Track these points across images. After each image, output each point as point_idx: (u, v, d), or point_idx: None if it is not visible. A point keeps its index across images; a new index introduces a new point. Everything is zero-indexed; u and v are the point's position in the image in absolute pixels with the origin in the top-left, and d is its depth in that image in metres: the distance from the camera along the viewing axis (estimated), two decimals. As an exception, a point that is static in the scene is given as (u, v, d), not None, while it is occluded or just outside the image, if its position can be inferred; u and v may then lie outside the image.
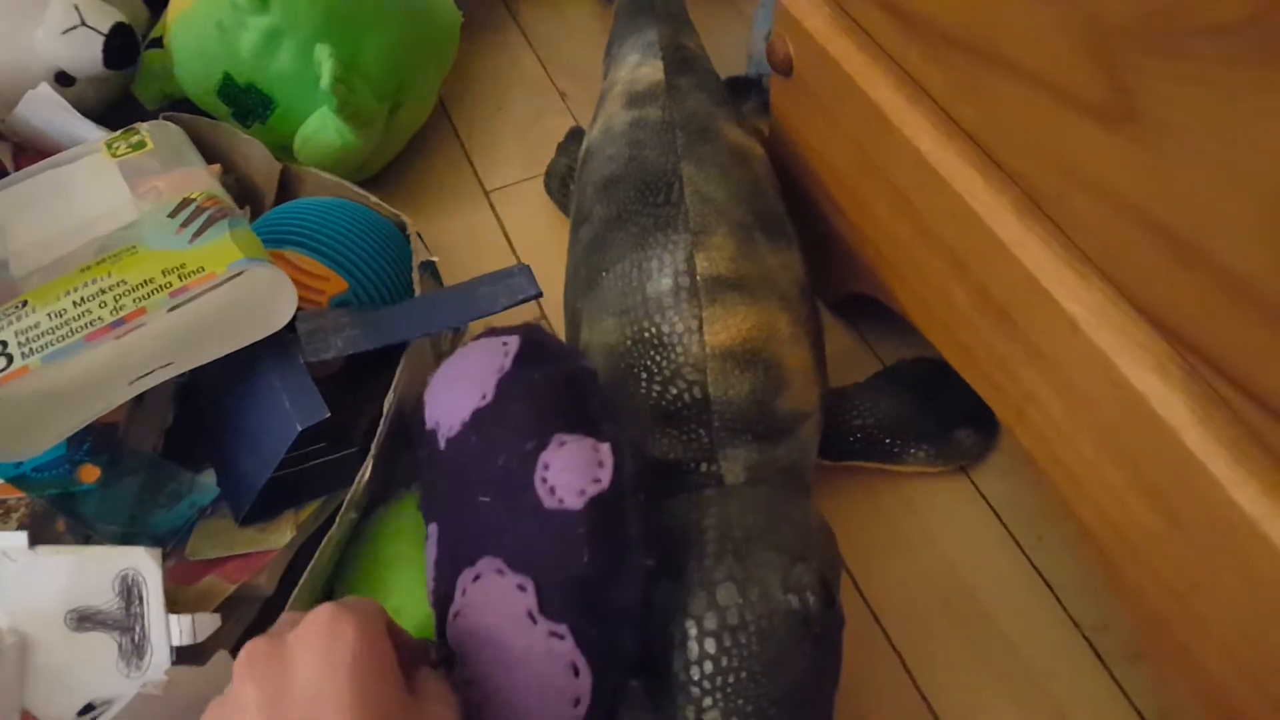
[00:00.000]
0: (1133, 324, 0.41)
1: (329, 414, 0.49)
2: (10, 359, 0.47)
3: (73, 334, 0.47)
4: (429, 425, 0.46)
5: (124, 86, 0.73)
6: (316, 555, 0.48)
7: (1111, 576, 0.47)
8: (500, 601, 0.39)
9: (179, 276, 0.49)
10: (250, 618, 0.51)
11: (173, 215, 0.52)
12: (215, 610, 0.48)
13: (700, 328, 0.48)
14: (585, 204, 0.57)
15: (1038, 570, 0.56)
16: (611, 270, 0.52)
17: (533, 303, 0.67)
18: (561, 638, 0.38)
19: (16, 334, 0.48)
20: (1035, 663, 0.53)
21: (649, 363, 0.48)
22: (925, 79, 0.49)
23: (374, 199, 0.63)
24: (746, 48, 0.77)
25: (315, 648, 0.34)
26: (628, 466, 0.40)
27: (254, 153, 0.66)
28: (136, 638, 0.45)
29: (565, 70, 0.85)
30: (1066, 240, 0.44)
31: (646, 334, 0.49)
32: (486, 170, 0.78)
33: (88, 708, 0.45)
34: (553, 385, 0.43)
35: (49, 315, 0.48)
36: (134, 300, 0.48)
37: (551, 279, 0.58)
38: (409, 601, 0.48)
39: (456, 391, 0.45)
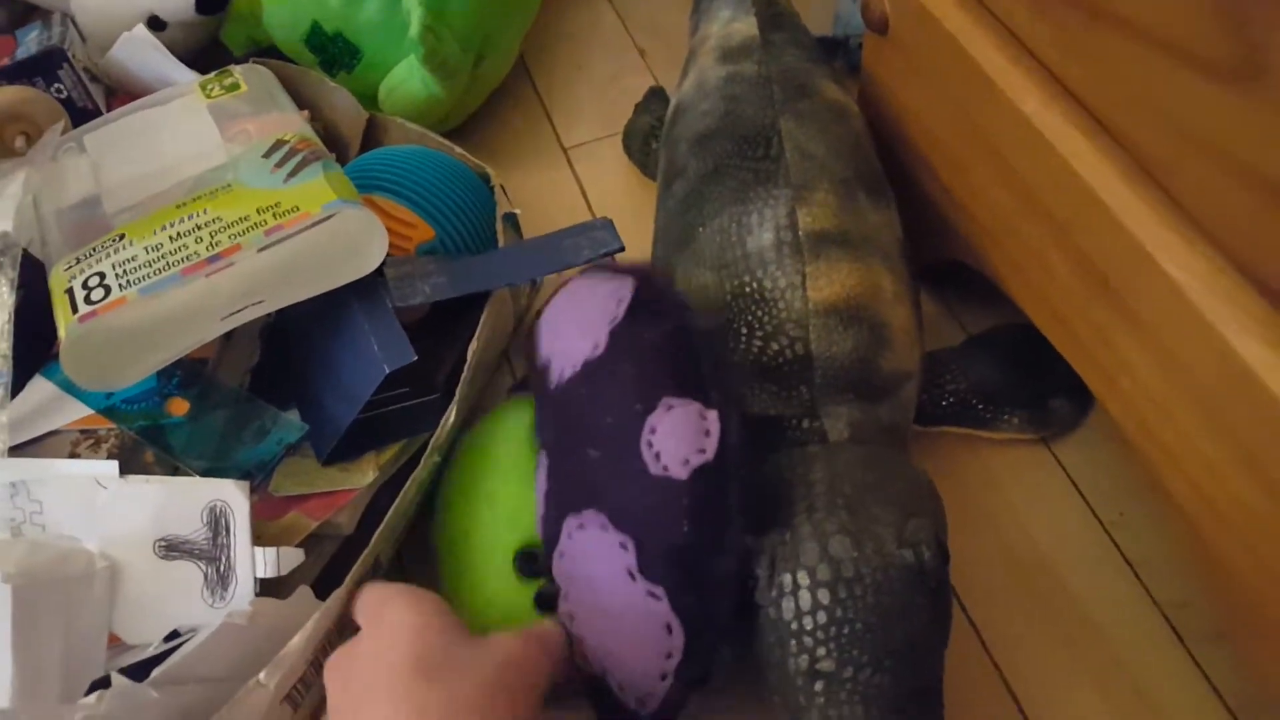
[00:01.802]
0: (1242, 291, 0.40)
1: (416, 358, 0.50)
2: (108, 290, 0.48)
3: (169, 267, 0.48)
4: (541, 359, 0.47)
5: (213, 32, 0.74)
6: (400, 495, 0.49)
7: (1199, 553, 0.46)
8: (601, 555, 0.41)
9: (274, 215, 0.49)
10: (329, 555, 0.52)
11: (267, 155, 0.53)
12: (297, 546, 0.48)
13: (803, 283, 0.47)
14: (678, 159, 0.56)
15: (1118, 546, 0.55)
16: (709, 225, 0.51)
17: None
18: (658, 598, 0.39)
19: (114, 266, 0.48)
20: (1113, 639, 0.52)
21: (750, 318, 0.48)
22: (1031, 38, 0.48)
23: (459, 150, 0.63)
24: (833, 8, 0.75)
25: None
26: (734, 436, 0.41)
27: (340, 101, 0.66)
28: (222, 568, 0.46)
29: (645, 29, 0.84)
30: (1175, 205, 0.43)
31: (747, 289, 0.48)
32: (565, 127, 0.78)
33: (173, 634, 0.46)
34: (663, 345, 0.43)
35: (146, 249, 0.49)
36: (229, 236, 0.49)
37: (627, 236, 0.57)
38: (521, 509, 0.48)
39: (570, 335, 0.46)
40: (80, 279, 0.48)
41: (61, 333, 0.47)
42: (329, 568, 0.52)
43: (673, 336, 0.43)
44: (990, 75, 0.49)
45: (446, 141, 0.64)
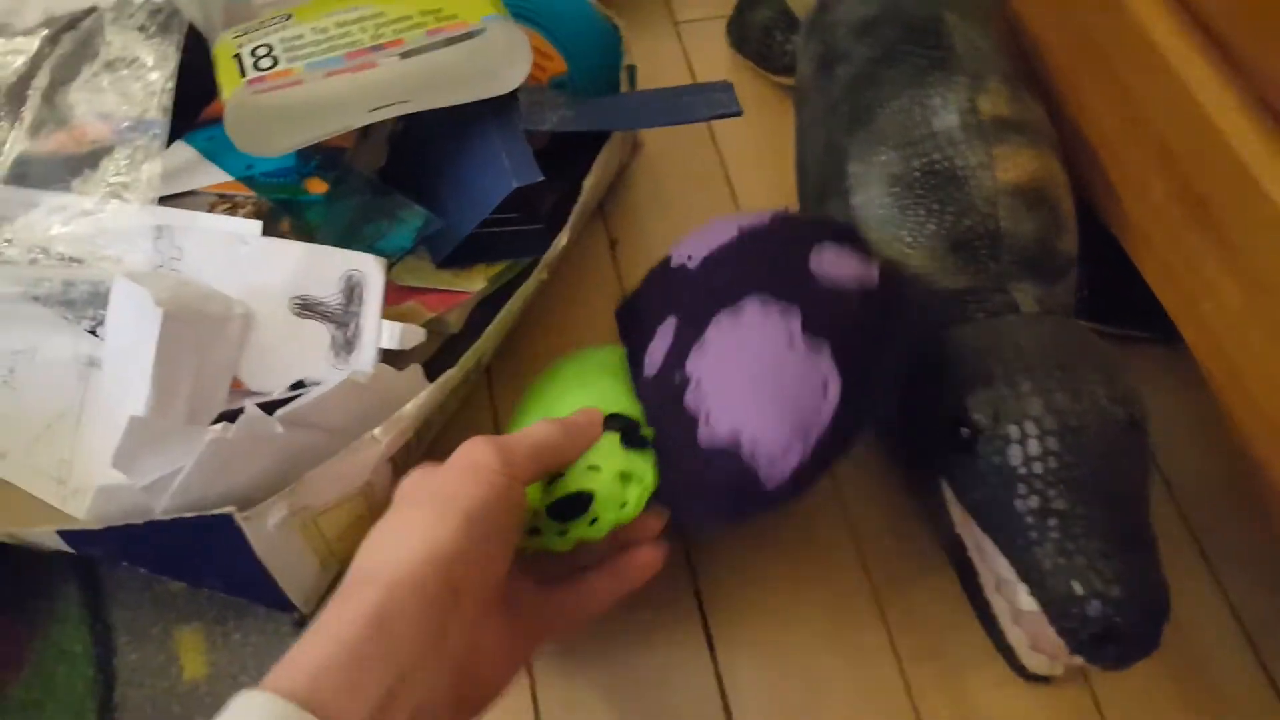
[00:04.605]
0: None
1: (543, 177, 0.53)
2: (275, 60, 0.50)
3: (334, 49, 0.51)
4: (675, 263, 0.50)
5: None
6: (512, 299, 0.53)
7: (1249, 479, 0.50)
8: (760, 325, 0.43)
9: (435, 18, 0.52)
10: (433, 351, 0.55)
11: (431, -35, 0.55)
12: (417, 329, 0.52)
13: (991, 164, 0.50)
14: (838, 44, 0.59)
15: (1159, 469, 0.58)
16: (887, 106, 0.54)
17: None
18: (819, 353, 0.42)
19: (281, 41, 0.51)
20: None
21: (941, 194, 0.51)
22: (1170, -36, 0.50)
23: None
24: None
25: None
26: (896, 283, 0.45)
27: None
28: (349, 334, 0.50)
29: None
30: (1288, 136, 0.45)
31: (938, 166, 0.51)
32: (678, 1, 0.80)
33: (298, 384, 0.49)
34: (823, 221, 0.50)
35: (312, 30, 0.52)
36: (393, 30, 0.51)
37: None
38: (616, 396, 0.49)
39: (718, 227, 0.49)
40: (249, 47, 0.51)
41: (226, 94, 0.50)
42: (432, 361, 0.55)
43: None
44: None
45: (579, -9, 0.66)
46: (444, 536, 0.36)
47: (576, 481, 0.45)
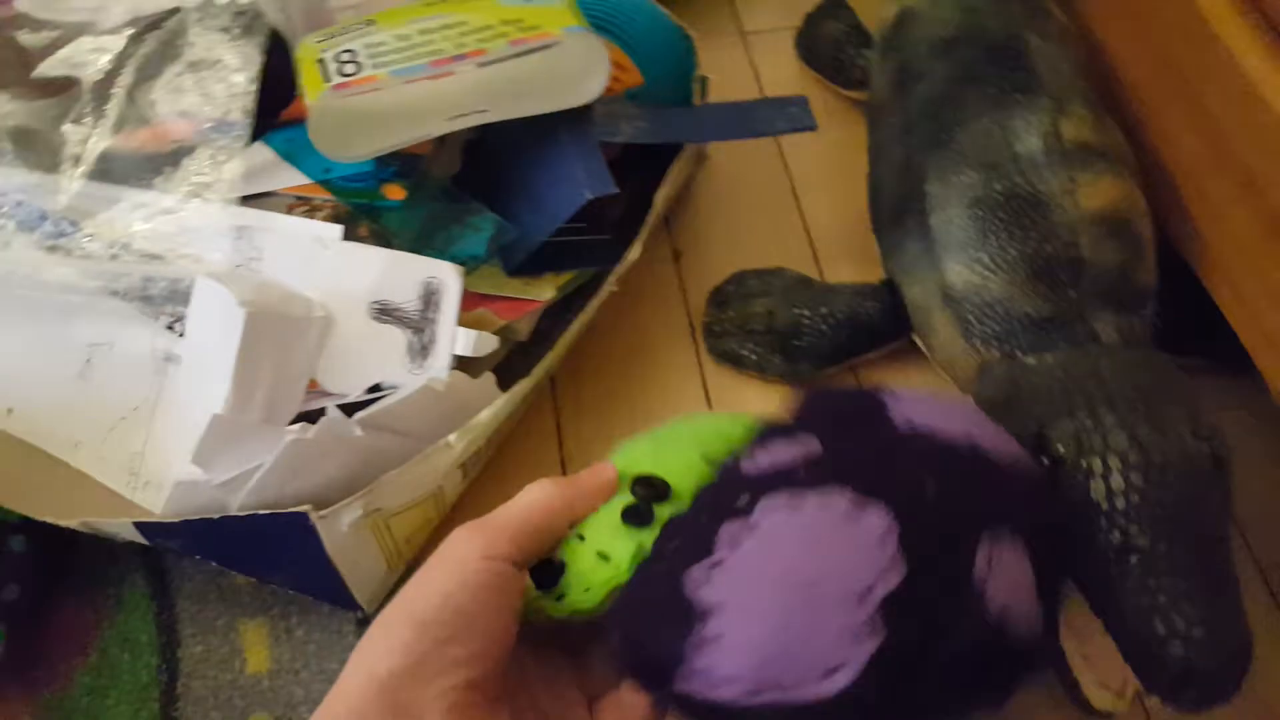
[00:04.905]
0: None
1: (618, 189, 0.53)
2: (359, 66, 0.51)
3: (417, 57, 0.51)
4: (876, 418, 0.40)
5: None
6: (583, 311, 0.53)
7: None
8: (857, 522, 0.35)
9: (518, 29, 0.52)
10: (501, 358, 0.56)
11: (512, -23, 0.55)
12: (489, 336, 0.52)
13: (1074, 190, 0.50)
14: (917, 62, 0.59)
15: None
16: (967, 126, 0.54)
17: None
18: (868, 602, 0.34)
19: (365, 47, 0.52)
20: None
21: (1024, 219, 0.51)
22: (1266, -7, 0.50)
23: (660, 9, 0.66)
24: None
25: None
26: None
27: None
28: (426, 340, 0.50)
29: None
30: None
31: (1020, 190, 0.51)
32: (746, 10, 0.80)
33: (375, 387, 0.50)
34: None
35: (395, 37, 0.52)
36: (476, 40, 0.52)
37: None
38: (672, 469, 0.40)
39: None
40: (332, 52, 0.51)
41: (311, 98, 0.51)
42: (499, 368, 0.55)
43: None
44: (1211, 25, 0.51)
45: (654, -1, 0.66)
46: (384, 654, 0.35)
47: (560, 548, 0.40)
